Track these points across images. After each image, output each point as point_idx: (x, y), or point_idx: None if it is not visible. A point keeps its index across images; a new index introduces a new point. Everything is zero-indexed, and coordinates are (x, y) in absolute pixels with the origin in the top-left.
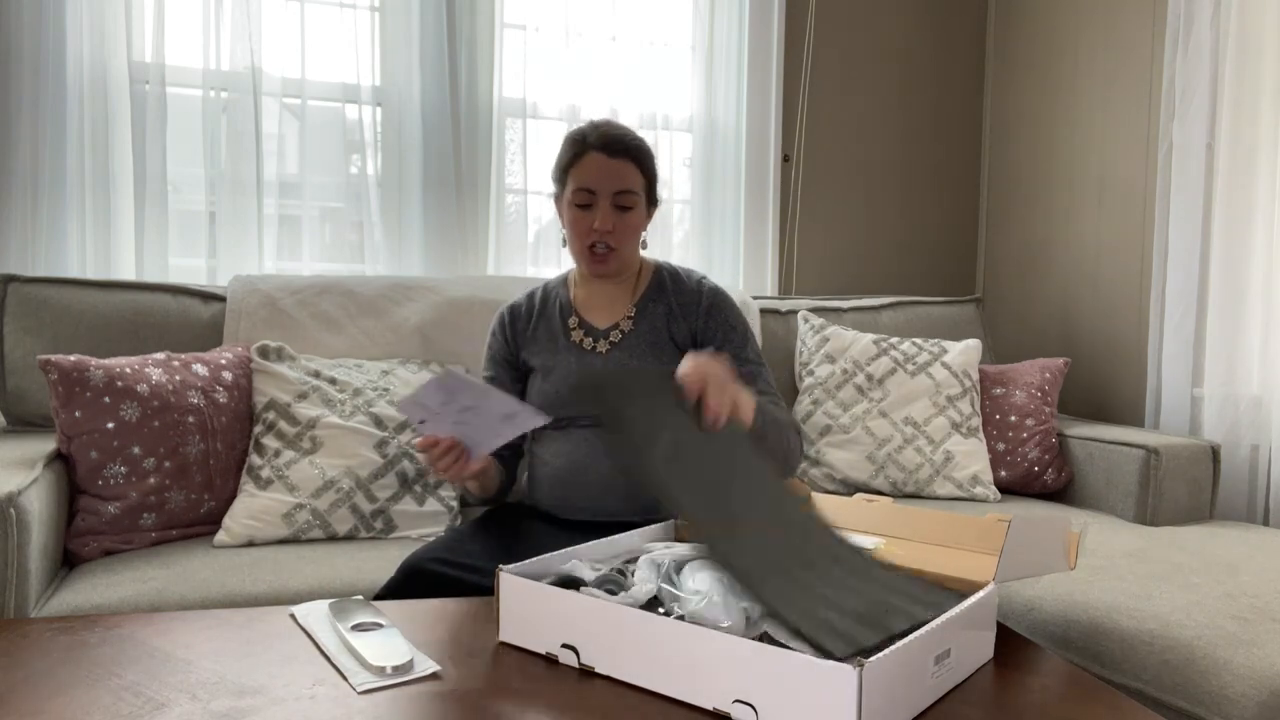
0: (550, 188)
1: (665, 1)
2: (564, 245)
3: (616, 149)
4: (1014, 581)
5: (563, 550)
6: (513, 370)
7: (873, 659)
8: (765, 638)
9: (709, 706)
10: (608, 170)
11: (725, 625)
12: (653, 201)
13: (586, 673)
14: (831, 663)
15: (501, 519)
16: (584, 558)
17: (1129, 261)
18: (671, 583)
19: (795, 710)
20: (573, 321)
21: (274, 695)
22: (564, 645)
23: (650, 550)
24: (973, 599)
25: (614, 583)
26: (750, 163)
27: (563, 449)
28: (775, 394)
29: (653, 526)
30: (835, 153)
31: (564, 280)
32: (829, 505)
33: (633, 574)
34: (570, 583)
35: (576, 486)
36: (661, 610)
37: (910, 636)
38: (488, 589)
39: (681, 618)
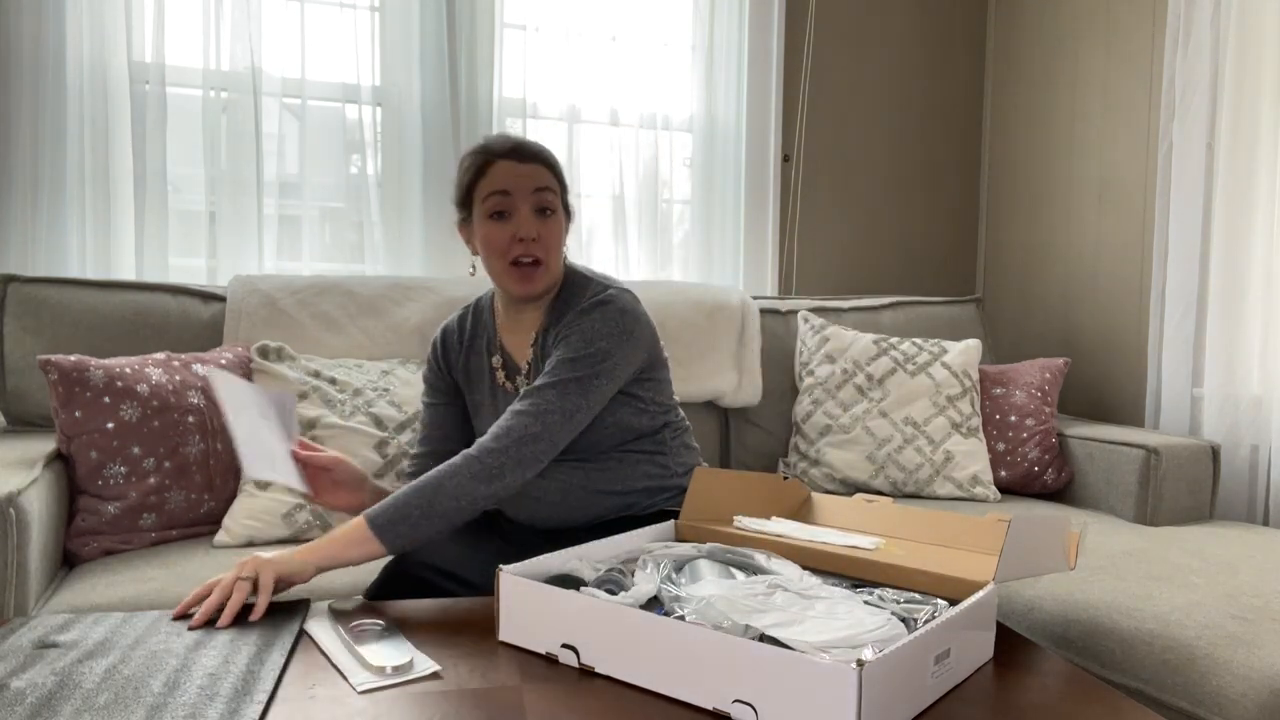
0: None
1: (665, 1)
2: (472, 273)
3: (526, 154)
4: (1014, 581)
5: (563, 550)
6: (448, 395)
7: (873, 659)
8: (765, 638)
9: (709, 706)
10: (522, 174)
11: (725, 625)
12: (568, 214)
13: (586, 673)
14: (832, 662)
15: (486, 525)
16: (584, 558)
17: (1129, 261)
18: (671, 582)
19: (795, 710)
20: (495, 360)
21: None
22: (564, 645)
23: (650, 550)
24: (973, 599)
25: (614, 583)
26: (750, 163)
27: None
28: (544, 411)
29: (653, 526)
30: (835, 153)
31: (491, 303)
32: (829, 505)
33: (633, 574)
34: (570, 582)
35: (537, 505)
36: (661, 610)
37: (910, 636)
38: (467, 595)
39: (681, 618)
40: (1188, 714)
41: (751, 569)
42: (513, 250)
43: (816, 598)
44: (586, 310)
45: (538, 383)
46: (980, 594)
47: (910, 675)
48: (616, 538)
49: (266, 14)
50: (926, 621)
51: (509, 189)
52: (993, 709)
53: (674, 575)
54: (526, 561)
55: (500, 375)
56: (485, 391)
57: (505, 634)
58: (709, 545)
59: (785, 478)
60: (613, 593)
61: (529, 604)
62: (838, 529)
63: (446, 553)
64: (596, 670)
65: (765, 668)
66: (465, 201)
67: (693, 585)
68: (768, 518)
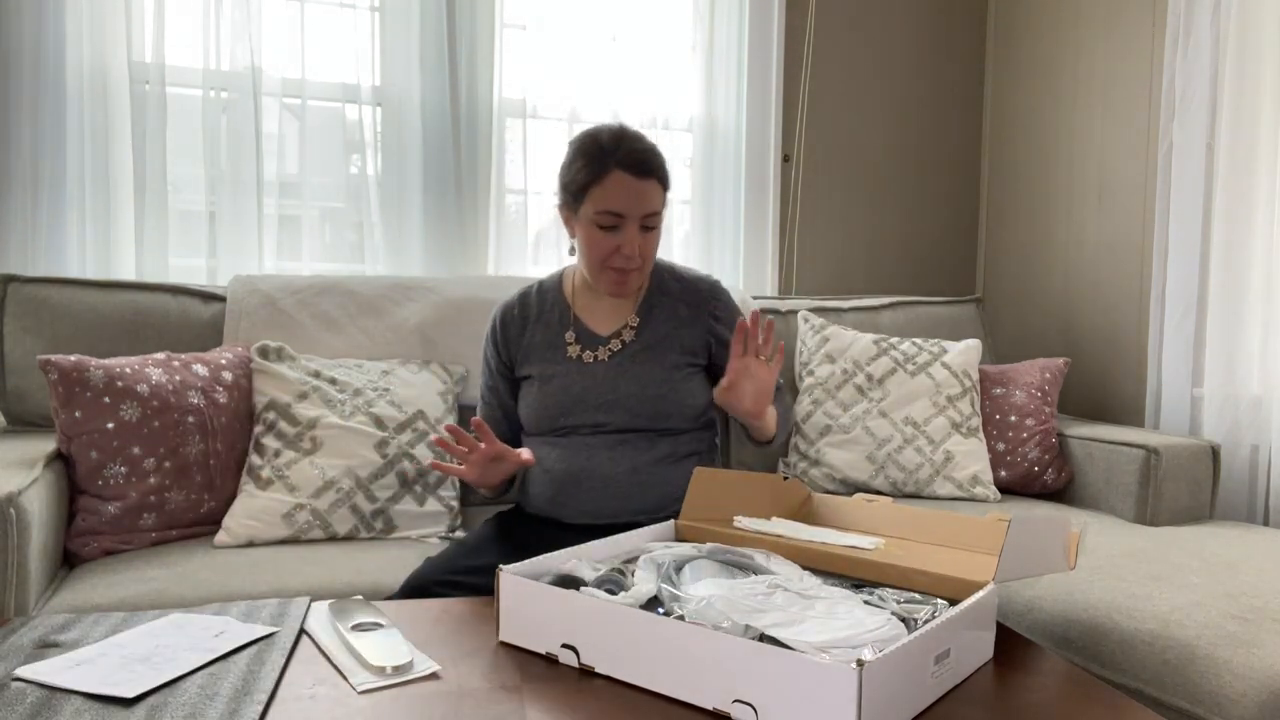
0: (539, 186)
1: (665, 1)
2: (571, 254)
3: (644, 169)
4: (1014, 581)
5: (563, 550)
6: (509, 381)
7: (873, 659)
8: (765, 638)
9: (709, 706)
10: (636, 193)
11: (725, 625)
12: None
13: (586, 673)
14: (832, 662)
15: (503, 529)
16: (584, 558)
17: (1129, 261)
18: (671, 582)
19: (795, 710)
20: (569, 335)
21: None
22: (564, 645)
23: (650, 550)
24: (973, 599)
25: (614, 583)
26: (750, 163)
27: (562, 454)
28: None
29: (653, 526)
30: (835, 153)
31: (559, 282)
32: (829, 505)
33: (633, 574)
34: (570, 582)
35: (576, 490)
36: (661, 610)
37: (910, 636)
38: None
39: (681, 618)
40: (1188, 714)
41: (751, 569)
42: (614, 260)
43: (816, 598)
44: (726, 293)
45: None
46: (980, 594)
47: (910, 675)
48: (617, 537)
49: (266, 14)
50: (926, 621)
51: (623, 212)
52: (993, 709)
53: (674, 575)
54: (526, 562)
55: (574, 350)
56: (555, 365)
57: (505, 634)
58: (709, 545)
59: (785, 478)
60: (613, 593)
61: (529, 604)
62: (837, 529)
63: (470, 561)
64: (596, 670)
65: (765, 668)
66: (578, 195)
67: (692, 585)
68: (767, 518)
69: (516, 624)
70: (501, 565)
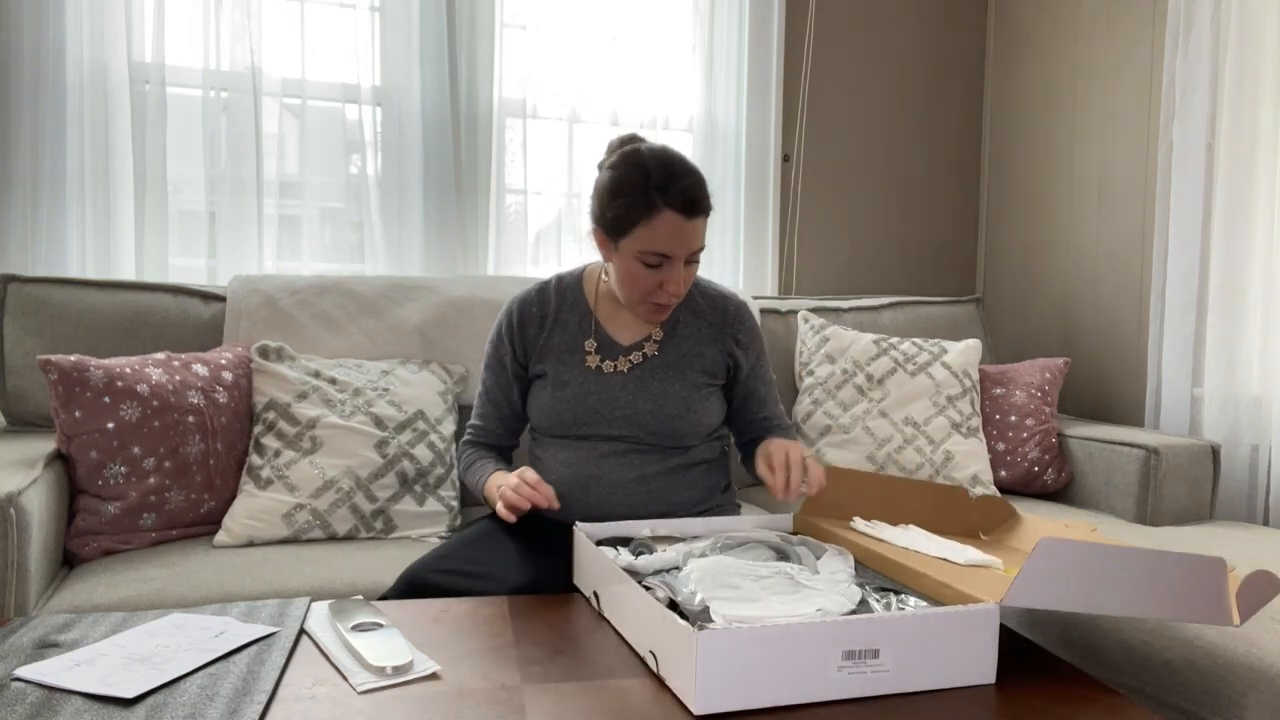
0: (539, 186)
1: (665, 1)
2: (605, 277)
3: (695, 210)
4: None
5: (651, 521)
6: (521, 382)
7: (721, 627)
8: (705, 609)
9: (640, 652)
10: (686, 234)
11: (683, 594)
12: None
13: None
14: (682, 625)
15: (505, 525)
16: (669, 529)
17: (1129, 261)
18: (702, 557)
19: (672, 663)
20: (589, 344)
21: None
22: (593, 592)
23: (727, 531)
24: (930, 609)
25: (647, 548)
26: (750, 163)
27: (571, 457)
28: (779, 400)
29: (769, 517)
30: (835, 153)
31: (579, 281)
32: (1020, 529)
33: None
34: (626, 544)
35: (583, 494)
36: (645, 584)
37: (793, 621)
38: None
39: (649, 588)
40: (1188, 714)
41: (787, 555)
42: (656, 295)
43: (808, 588)
44: (749, 312)
45: (770, 388)
46: (943, 609)
47: (798, 659)
48: (723, 519)
49: (266, 14)
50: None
51: (670, 254)
52: (993, 709)
53: (709, 553)
54: (609, 524)
55: (594, 360)
56: (572, 370)
57: (575, 579)
58: (776, 533)
59: (971, 492)
60: (639, 555)
61: (581, 556)
62: (984, 547)
63: (469, 555)
64: (604, 614)
65: (664, 627)
66: (620, 228)
67: (704, 560)
68: (894, 524)
69: (579, 572)
70: (577, 523)
